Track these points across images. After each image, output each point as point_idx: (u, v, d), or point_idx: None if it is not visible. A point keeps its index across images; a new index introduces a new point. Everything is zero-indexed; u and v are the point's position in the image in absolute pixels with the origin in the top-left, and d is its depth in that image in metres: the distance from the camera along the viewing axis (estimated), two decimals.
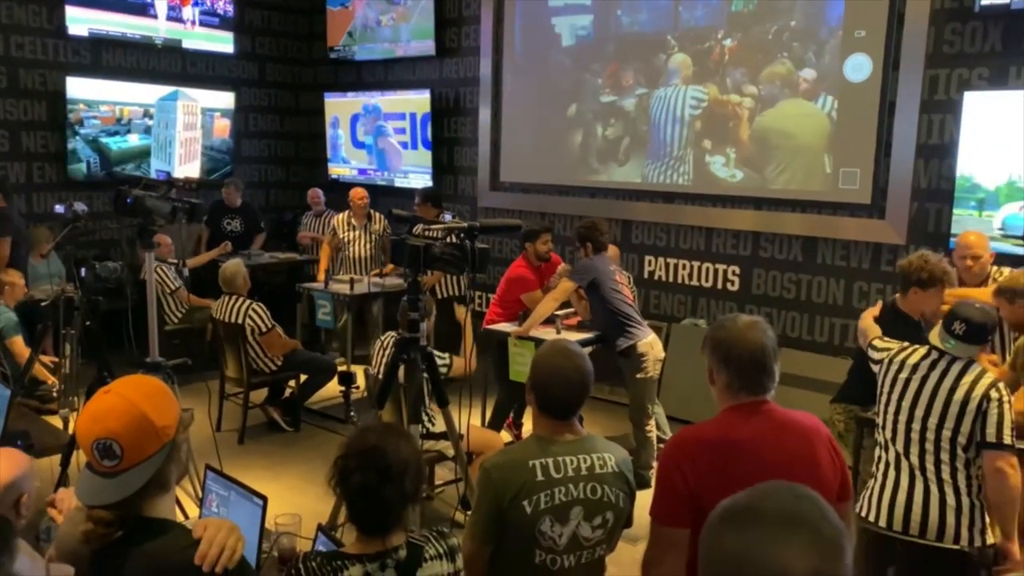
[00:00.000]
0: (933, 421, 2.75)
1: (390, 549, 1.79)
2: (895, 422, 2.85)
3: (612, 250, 5.25)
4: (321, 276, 6.54)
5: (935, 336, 2.83)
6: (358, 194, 6.78)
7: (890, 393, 2.88)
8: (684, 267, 6.15)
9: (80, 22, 7.11)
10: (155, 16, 7.53)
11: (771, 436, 1.98)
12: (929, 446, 2.76)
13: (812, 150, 5.46)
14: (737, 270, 5.90)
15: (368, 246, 6.74)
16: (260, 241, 7.76)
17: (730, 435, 1.98)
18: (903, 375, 2.86)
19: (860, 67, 5.21)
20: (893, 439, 2.86)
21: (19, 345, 5.12)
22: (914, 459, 2.79)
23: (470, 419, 3.52)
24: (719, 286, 5.99)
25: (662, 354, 4.77)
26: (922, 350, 2.87)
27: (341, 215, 6.84)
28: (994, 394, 2.67)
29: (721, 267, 5.97)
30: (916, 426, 2.79)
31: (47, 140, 7.18)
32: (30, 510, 2.11)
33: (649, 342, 4.64)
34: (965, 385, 2.72)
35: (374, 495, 1.76)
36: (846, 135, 5.31)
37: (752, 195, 5.76)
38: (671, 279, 6.22)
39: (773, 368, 2.02)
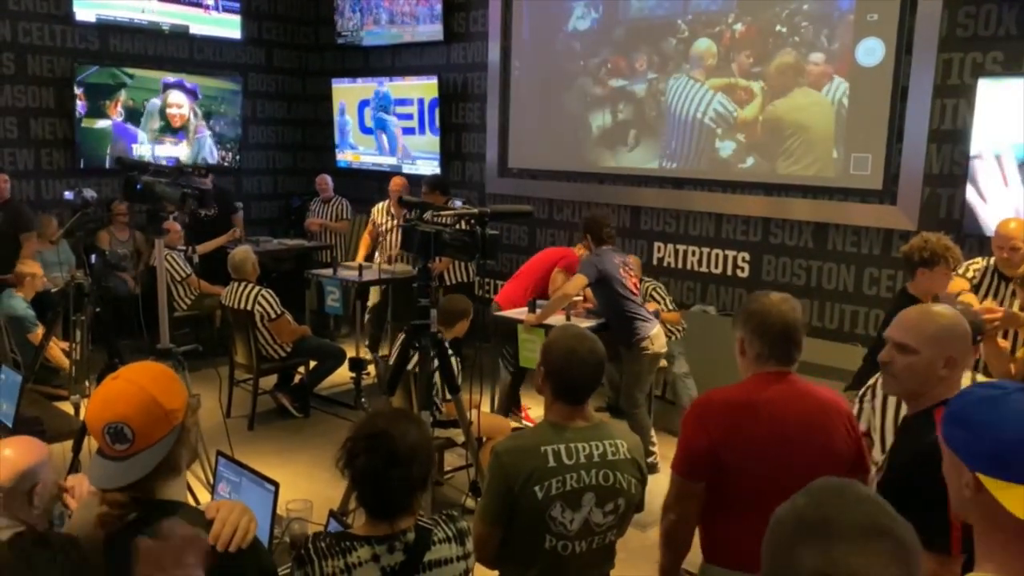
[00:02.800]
0: None
1: (398, 532, 1.80)
2: None
3: (632, 260, 5.23)
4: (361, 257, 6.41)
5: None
6: (397, 183, 6.59)
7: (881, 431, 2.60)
8: (693, 253, 6.12)
9: (87, 7, 7.10)
10: None
11: (791, 400, 2.13)
12: None
13: (823, 135, 5.42)
14: (747, 256, 5.87)
15: None
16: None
17: (752, 396, 2.13)
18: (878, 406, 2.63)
19: (872, 51, 5.16)
20: None
21: (39, 339, 5.16)
22: None
23: (480, 405, 3.53)
24: (729, 272, 5.97)
25: (663, 349, 4.72)
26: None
27: (380, 205, 6.62)
28: None
29: (731, 253, 5.95)
30: None
31: (55, 127, 7.18)
32: (44, 499, 2.12)
33: (651, 337, 4.61)
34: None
35: (380, 478, 1.77)
36: (857, 120, 5.27)
37: (762, 181, 5.72)
38: (680, 265, 6.19)
39: (801, 341, 2.19)
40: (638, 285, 4.80)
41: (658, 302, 5.21)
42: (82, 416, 3.91)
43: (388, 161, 8.10)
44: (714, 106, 5.87)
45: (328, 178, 7.81)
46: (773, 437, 2.09)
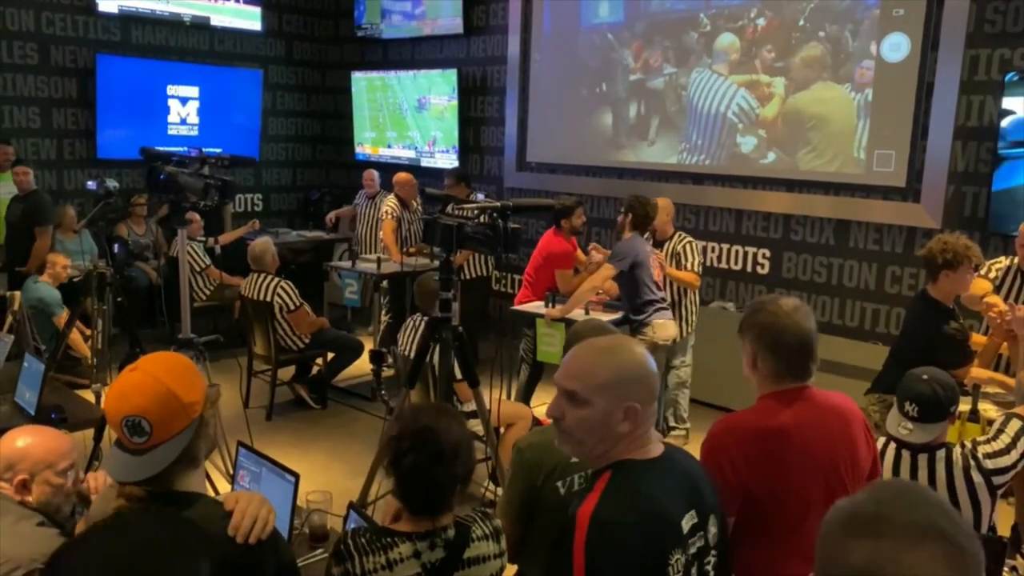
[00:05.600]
0: None
1: (439, 528, 1.80)
2: None
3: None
4: (396, 256, 6.24)
5: (892, 424, 2.57)
6: (402, 178, 6.58)
7: None
8: (713, 250, 6.08)
9: None
10: None
11: (815, 421, 1.99)
12: None
13: (846, 132, 5.37)
14: (767, 253, 5.83)
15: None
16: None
17: (777, 422, 1.96)
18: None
19: (897, 47, 5.10)
20: None
21: (63, 323, 5.20)
22: None
23: (501, 394, 3.52)
24: (749, 269, 5.93)
25: (664, 340, 4.61)
26: (889, 451, 2.60)
27: (393, 201, 6.55)
28: (975, 462, 2.49)
29: (751, 250, 5.91)
30: None
31: (77, 117, 7.23)
32: (45, 494, 2.09)
33: (653, 324, 4.54)
34: (942, 481, 2.48)
35: (426, 477, 1.77)
36: (881, 117, 5.21)
37: (784, 177, 5.67)
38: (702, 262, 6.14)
39: (817, 352, 2.01)
40: (660, 278, 4.76)
41: (684, 260, 5.03)
42: (103, 404, 3.95)
43: (407, 155, 8.10)
44: (737, 100, 5.82)
45: (375, 173, 7.21)
46: (805, 463, 1.96)
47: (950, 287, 3.45)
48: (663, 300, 4.67)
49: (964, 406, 3.38)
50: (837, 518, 1.00)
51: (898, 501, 0.98)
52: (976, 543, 0.95)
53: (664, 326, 4.61)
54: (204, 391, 1.62)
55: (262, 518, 1.55)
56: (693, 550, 1.56)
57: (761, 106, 5.72)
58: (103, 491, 1.90)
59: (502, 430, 3.95)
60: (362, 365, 5.82)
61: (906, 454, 2.58)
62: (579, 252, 5.52)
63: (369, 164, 8.38)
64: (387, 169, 7.81)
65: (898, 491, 1.02)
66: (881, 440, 2.64)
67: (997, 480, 2.52)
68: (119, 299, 4.06)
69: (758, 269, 5.88)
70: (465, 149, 7.61)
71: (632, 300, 4.65)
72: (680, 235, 5.14)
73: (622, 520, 1.48)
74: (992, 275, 4.02)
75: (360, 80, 8.31)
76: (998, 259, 4.09)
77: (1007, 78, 4.66)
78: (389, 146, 8.26)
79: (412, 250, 6.46)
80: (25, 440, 2.10)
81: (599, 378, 1.56)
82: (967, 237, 3.62)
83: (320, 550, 2.42)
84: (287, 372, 5.66)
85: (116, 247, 4.15)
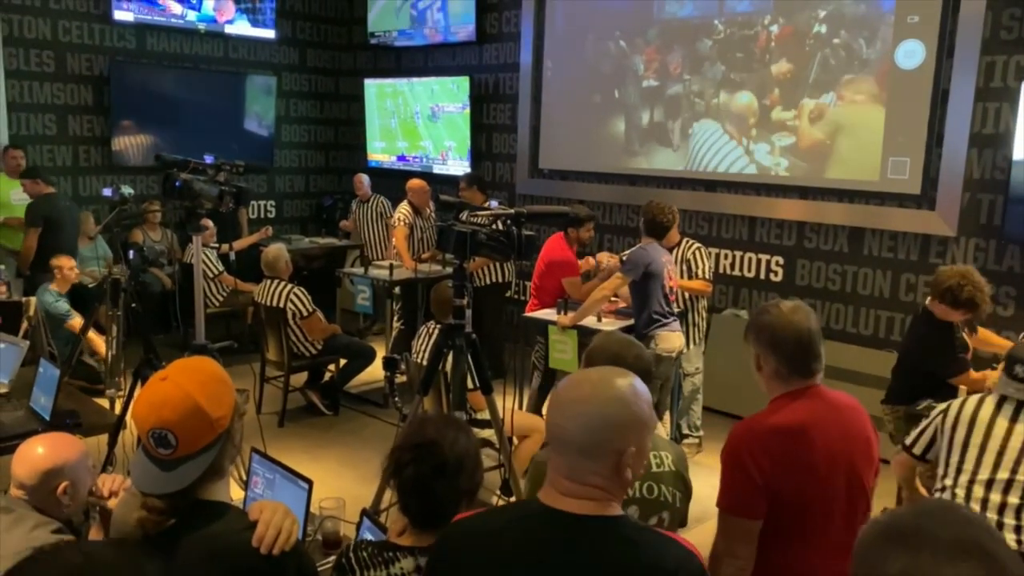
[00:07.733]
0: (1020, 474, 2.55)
1: None
2: (957, 478, 2.64)
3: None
4: (408, 264, 6.25)
5: (1002, 386, 2.67)
6: (416, 184, 6.64)
7: (953, 447, 2.68)
8: (726, 257, 6.06)
9: (125, 12, 7.19)
10: (197, 8, 7.61)
11: (831, 418, 2.03)
12: (1013, 499, 2.54)
13: (860, 139, 5.34)
14: (781, 260, 5.80)
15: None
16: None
17: (796, 420, 1.99)
18: (967, 426, 2.67)
19: (912, 53, 5.08)
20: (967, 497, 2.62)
21: (76, 327, 5.22)
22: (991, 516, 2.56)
23: (514, 405, 3.51)
24: (762, 276, 5.90)
25: (670, 350, 4.49)
26: (990, 400, 2.69)
27: (407, 208, 6.61)
28: None
29: (764, 257, 5.88)
30: (999, 480, 2.56)
31: (93, 124, 7.28)
32: (75, 497, 2.11)
33: (656, 335, 4.45)
34: None
35: (426, 490, 1.74)
36: (896, 124, 5.18)
37: (797, 184, 5.65)
38: (712, 268, 6.12)
39: (820, 351, 2.04)
40: (675, 288, 4.71)
41: (695, 267, 5.00)
42: (117, 410, 3.97)
43: (419, 161, 8.11)
44: (749, 105, 5.80)
45: (364, 178, 7.64)
46: (828, 458, 1.97)
47: (943, 314, 3.57)
48: (670, 314, 4.54)
49: None
50: (879, 527, 1.01)
51: (942, 518, 0.99)
52: (1020, 564, 0.95)
53: (667, 338, 4.49)
54: (233, 404, 1.62)
55: (286, 529, 1.54)
56: None
57: (775, 113, 5.69)
58: (124, 497, 1.90)
59: (515, 440, 3.93)
60: (374, 372, 5.83)
61: (1008, 404, 2.64)
62: (587, 259, 5.49)
63: (382, 171, 8.42)
64: (399, 176, 7.85)
65: (942, 508, 1.03)
66: (973, 399, 2.73)
67: None
68: (133, 305, 4.08)
69: (771, 276, 5.85)
70: (478, 156, 7.62)
71: (639, 313, 4.55)
72: (688, 242, 5.12)
73: (451, 544, 1.49)
74: None
75: (371, 87, 8.35)
76: None
77: None
78: (401, 156, 8.28)
79: (425, 256, 6.46)
80: (53, 447, 2.12)
81: None
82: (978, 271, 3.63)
83: (334, 557, 2.42)
84: (299, 378, 5.67)
85: (131, 253, 4.15)
